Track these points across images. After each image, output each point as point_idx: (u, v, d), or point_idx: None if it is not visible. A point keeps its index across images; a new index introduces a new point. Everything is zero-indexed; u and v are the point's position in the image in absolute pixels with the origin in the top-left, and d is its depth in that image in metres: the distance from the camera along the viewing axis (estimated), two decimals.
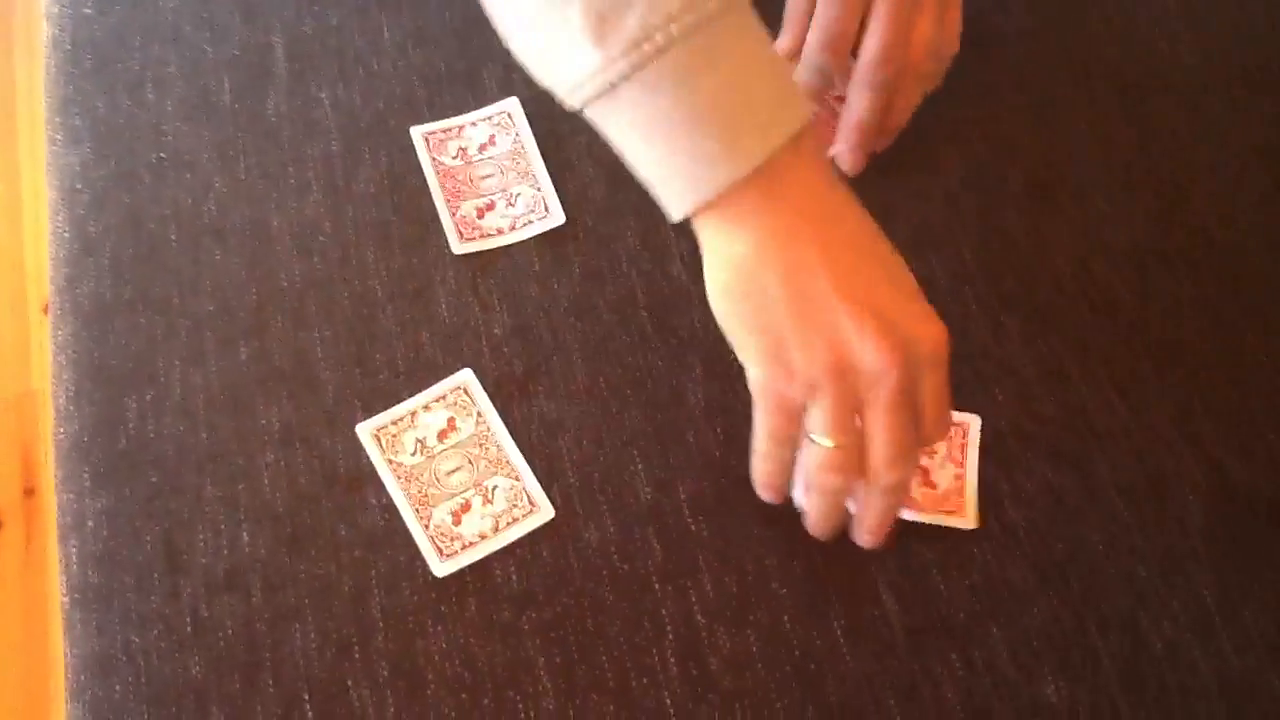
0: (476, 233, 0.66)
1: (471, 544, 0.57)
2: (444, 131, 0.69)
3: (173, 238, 0.66)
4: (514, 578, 0.57)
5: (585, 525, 0.58)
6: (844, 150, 0.67)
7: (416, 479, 0.59)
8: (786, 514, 0.58)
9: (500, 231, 0.66)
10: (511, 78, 0.70)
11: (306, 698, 0.54)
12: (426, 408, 0.61)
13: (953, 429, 0.60)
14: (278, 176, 0.68)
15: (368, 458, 0.59)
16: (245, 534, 0.58)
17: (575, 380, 0.62)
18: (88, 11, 0.74)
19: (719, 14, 0.48)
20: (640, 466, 0.59)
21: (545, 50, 0.49)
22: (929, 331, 0.51)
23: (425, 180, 0.67)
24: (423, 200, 0.67)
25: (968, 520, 0.58)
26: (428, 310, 0.64)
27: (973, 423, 0.60)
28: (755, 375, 0.52)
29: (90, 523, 0.58)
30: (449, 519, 0.58)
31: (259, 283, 0.65)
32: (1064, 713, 0.54)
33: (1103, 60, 0.72)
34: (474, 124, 0.69)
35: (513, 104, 0.70)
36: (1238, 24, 0.74)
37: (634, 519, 0.58)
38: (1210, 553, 0.58)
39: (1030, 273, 0.65)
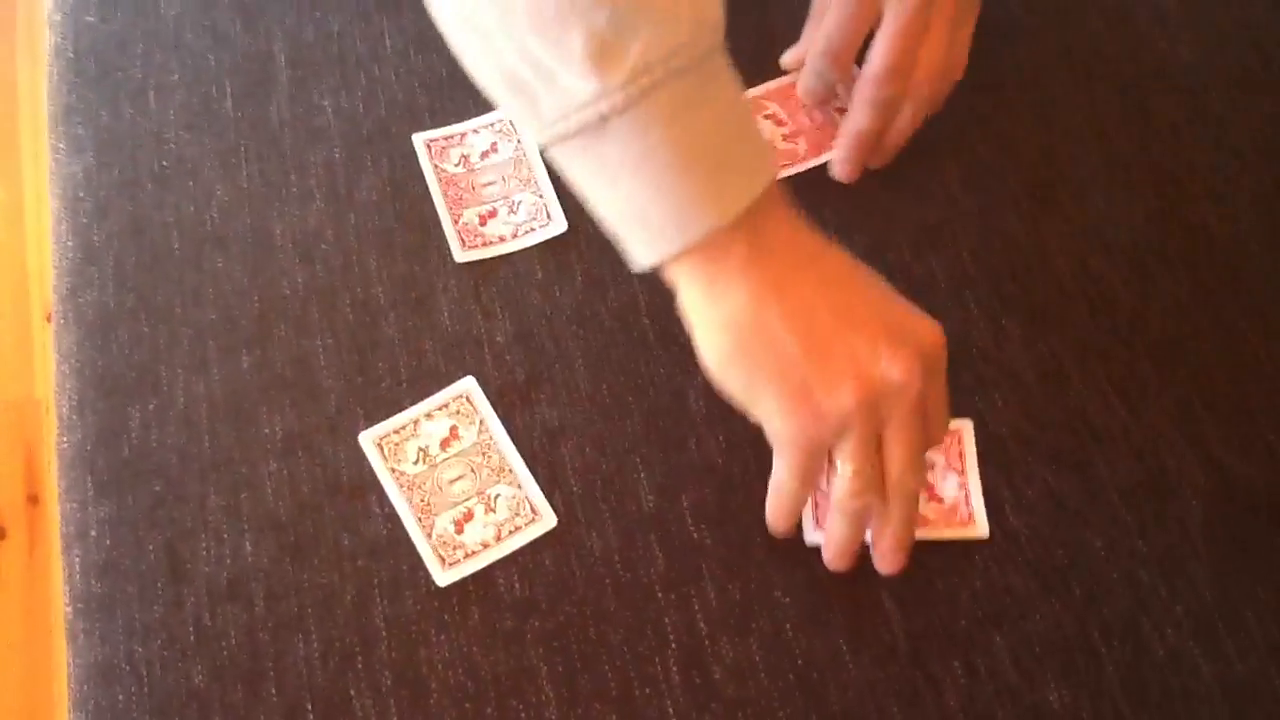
0: (479, 240, 0.66)
1: (474, 553, 0.57)
2: (446, 138, 0.69)
3: (175, 246, 0.66)
4: (517, 586, 0.57)
5: (588, 533, 0.58)
6: (837, 160, 0.67)
7: (419, 487, 0.59)
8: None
9: (502, 239, 0.66)
10: None
11: (309, 707, 0.54)
12: (429, 416, 0.61)
13: (948, 436, 0.60)
14: (280, 184, 0.68)
15: (370, 466, 0.60)
16: (248, 543, 0.58)
17: (577, 388, 0.62)
18: (90, 19, 0.74)
19: (709, 55, 0.48)
20: (643, 474, 0.59)
21: (531, 77, 0.47)
22: (931, 335, 0.52)
23: (427, 187, 0.68)
24: (425, 208, 0.67)
25: (979, 530, 0.58)
26: (430, 318, 0.64)
27: (965, 428, 0.60)
28: (781, 428, 0.51)
29: (93, 532, 0.59)
30: (451, 528, 0.58)
31: (261, 291, 0.65)
32: (1067, 719, 0.54)
33: (1103, 59, 0.72)
34: (476, 131, 0.69)
35: None
36: (1238, 23, 0.74)
37: (636, 527, 0.58)
38: (1212, 554, 0.58)
39: (1030, 274, 0.65)
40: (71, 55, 0.73)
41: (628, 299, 0.64)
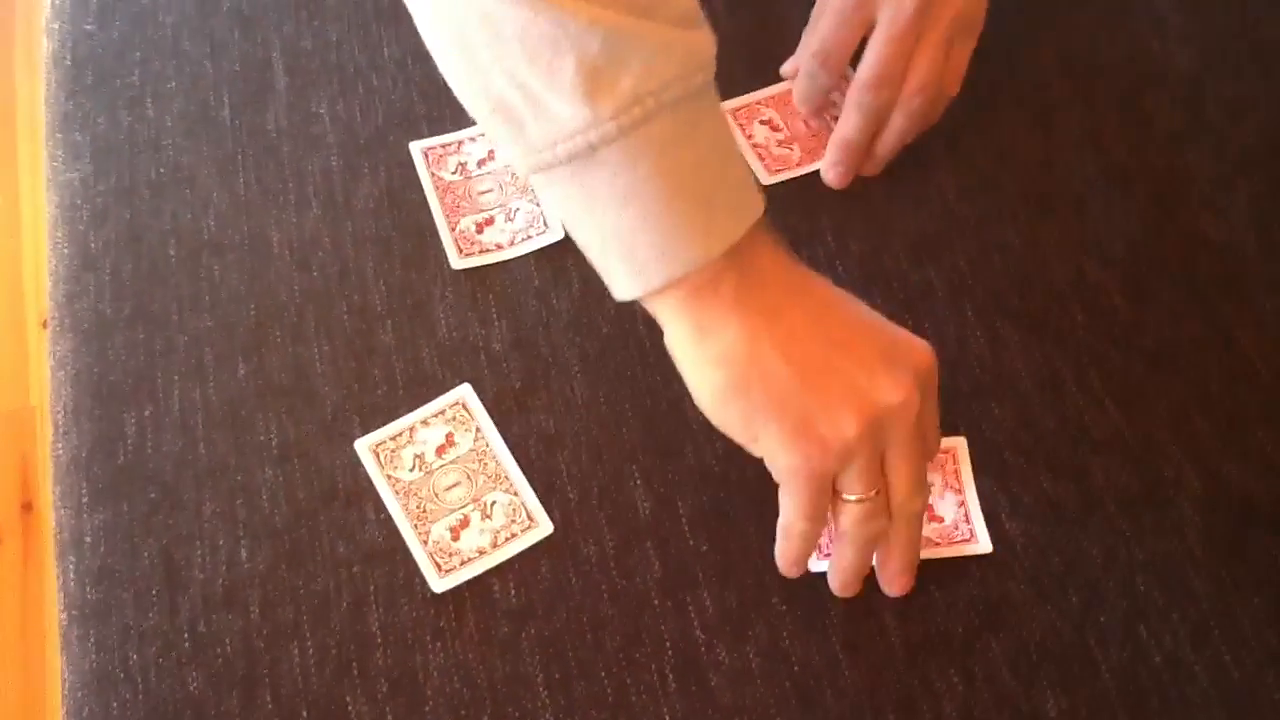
0: (475, 248, 0.66)
1: (470, 559, 0.57)
2: (443, 146, 0.69)
3: (172, 253, 0.66)
4: (513, 593, 0.57)
5: (584, 540, 0.58)
6: (827, 165, 0.67)
7: (415, 494, 0.59)
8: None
9: (499, 246, 0.66)
10: None
11: (305, 714, 0.54)
12: (425, 423, 0.61)
13: (943, 455, 0.60)
14: (277, 192, 0.68)
15: (366, 473, 0.59)
16: (244, 550, 0.58)
17: (574, 395, 0.62)
18: (88, 27, 0.74)
19: (701, 88, 0.48)
20: (639, 482, 0.59)
21: (520, 103, 0.46)
22: (923, 355, 0.52)
23: (424, 195, 0.68)
24: (422, 215, 0.67)
25: (981, 545, 0.58)
26: (427, 325, 0.64)
27: (960, 446, 0.60)
28: (786, 462, 0.51)
29: (88, 539, 0.58)
30: (448, 534, 0.58)
31: (258, 298, 0.65)
32: None
33: (1101, 68, 0.73)
34: (473, 139, 0.69)
35: None
36: (1236, 32, 0.74)
37: (633, 534, 0.58)
38: (1209, 562, 0.58)
39: (1028, 282, 0.65)
40: (69, 63, 0.73)
41: (625, 306, 0.64)
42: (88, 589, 0.57)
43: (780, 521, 0.54)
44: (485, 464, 0.60)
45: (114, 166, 0.69)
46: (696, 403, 0.51)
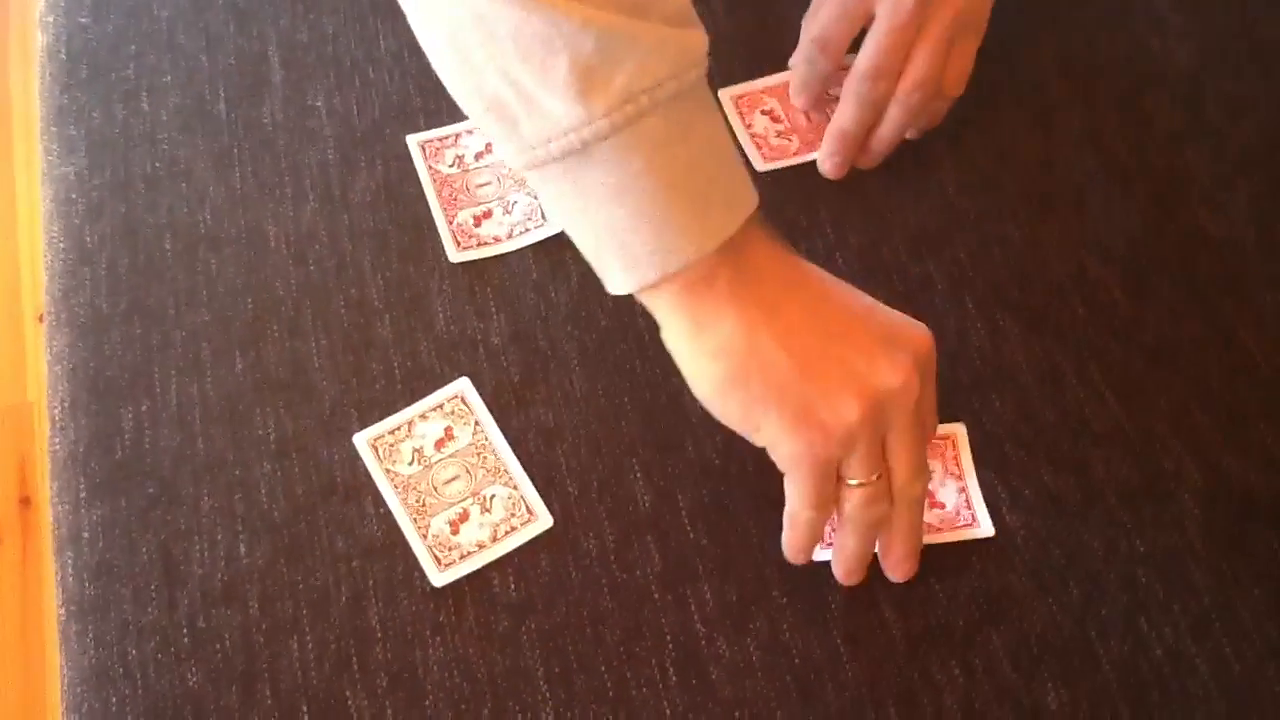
0: (473, 241, 0.66)
1: (470, 553, 0.57)
2: (440, 139, 0.69)
3: (168, 247, 0.66)
4: (513, 587, 0.57)
5: (584, 534, 0.58)
6: (822, 155, 0.67)
7: (414, 488, 0.59)
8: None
9: (497, 239, 0.66)
10: None
11: (304, 709, 0.54)
12: (424, 417, 0.61)
13: (942, 442, 0.60)
14: (274, 185, 0.68)
15: (365, 467, 0.59)
16: (242, 545, 0.58)
17: (573, 388, 0.62)
18: (83, 20, 0.74)
19: (695, 86, 0.48)
20: (639, 475, 0.59)
21: (513, 100, 0.47)
22: (921, 338, 0.52)
23: (422, 188, 0.67)
24: (419, 208, 0.67)
25: (983, 529, 0.58)
26: (425, 319, 0.64)
27: (959, 432, 0.60)
28: (789, 450, 0.51)
29: (86, 534, 0.58)
30: (447, 529, 0.58)
31: (255, 292, 0.65)
32: (1064, 719, 0.54)
33: (1100, 66, 0.73)
34: (470, 132, 0.69)
35: None
36: (1235, 30, 0.74)
37: (633, 527, 0.58)
38: (1209, 555, 0.58)
39: (1028, 277, 0.65)
40: (64, 57, 0.73)
41: (623, 300, 0.64)
42: (86, 584, 0.57)
43: (786, 510, 0.54)
44: (484, 458, 0.59)
45: (109, 161, 0.69)
46: (696, 396, 0.51)
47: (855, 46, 0.66)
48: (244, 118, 0.70)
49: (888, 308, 0.53)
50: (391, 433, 0.60)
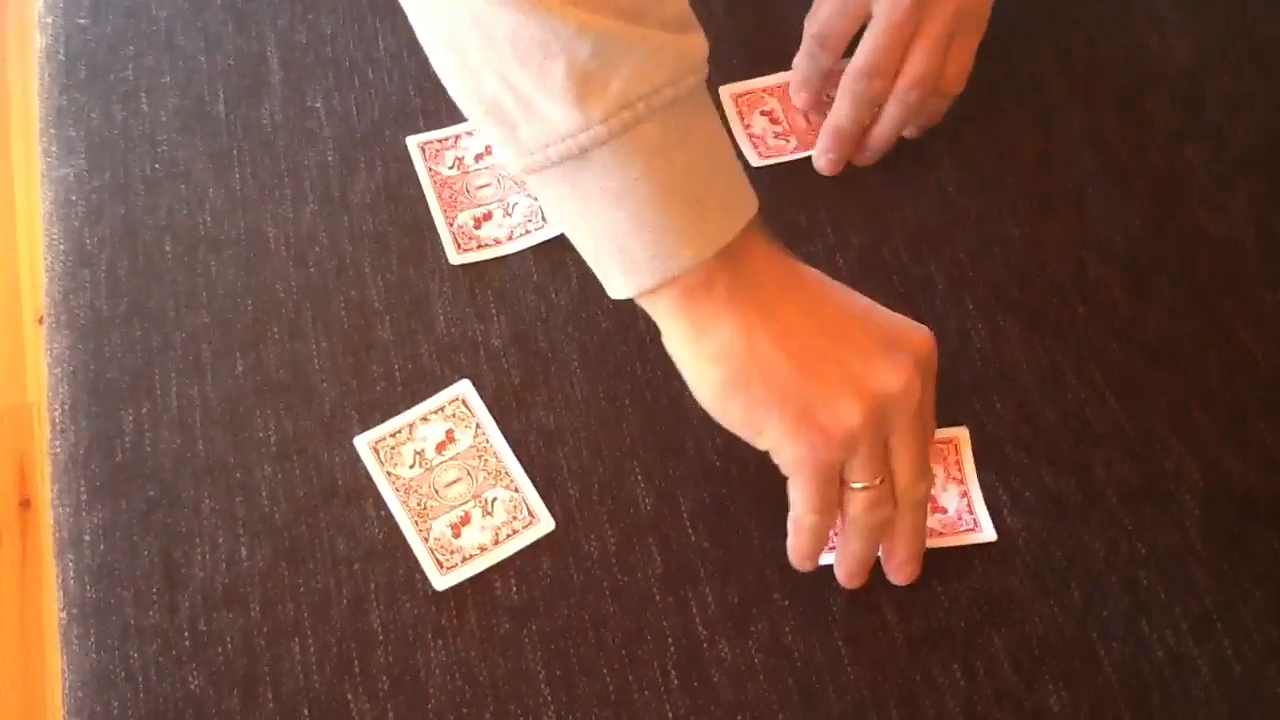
0: (474, 243, 0.66)
1: (471, 556, 0.57)
2: (440, 141, 0.69)
3: (168, 249, 0.66)
4: (514, 590, 0.57)
5: (585, 537, 0.58)
6: (818, 151, 0.67)
7: (415, 491, 0.59)
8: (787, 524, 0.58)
9: (497, 241, 0.66)
10: None
11: (306, 712, 0.54)
12: (424, 419, 0.61)
13: (945, 446, 0.60)
14: (273, 187, 0.68)
15: (366, 470, 0.59)
16: (243, 548, 0.58)
17: (574, 391, 0.62)
18: (81, 21, 0.74)
19: (693, 91, 0.48)
20: (640, 477, 0.59)
21: (511, 105, 0.47)
22: (922, 339, 0.52)
23: (421, 190, 0.67)
24: (419, 210, 0.67)
25: (985, 534, 0.58)
26: (425, 321, 0.64)
27: (962, 436, 0.60)
28: (791, 454, 0.51)
29: (87, 537, 0.58)
30: (448, 531, 0.58)
31: (255, 294, 0.64)
32: None
33: (1100, 65, 0.72)
34: (470, 133, 0.69)
35: None
36: (1235, 28, 0.74)
37: (634, 530, 0.58)
38: (1210, 556, 0.58)
39: (1028, 277, 0.65)
40: (62, 58, 0.73)
41: (623, 302, 0.64)
42: (87, 587, 0.57)
43: (791, 516, 0.54)
44: (485, 460, 0.59)
45: (108, 162, 0.69)
46: (697, 399, 0.51)
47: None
48: (243, 119, 0.70)
49: (886, 309, 0.53)
50: (393, 435, 0.60)
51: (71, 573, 0.58)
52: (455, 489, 0.59)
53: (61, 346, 0.64)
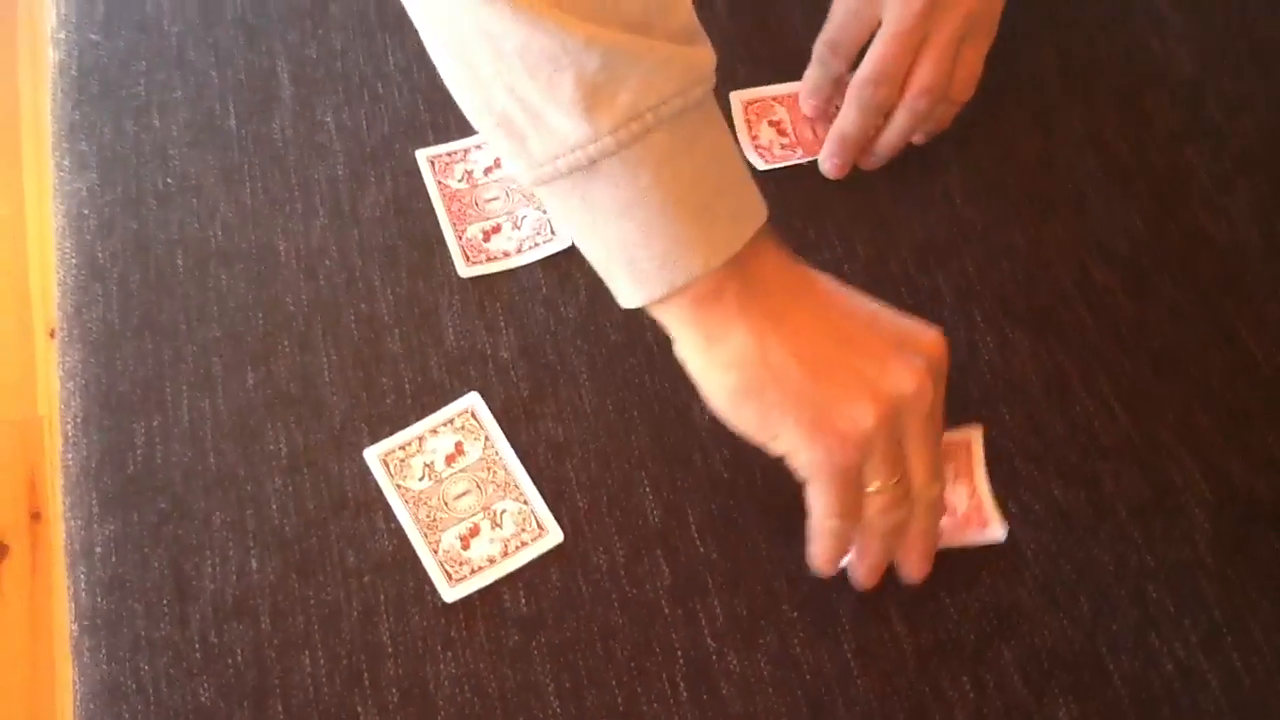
0: (483, 255, 0.66)
1: (480, 568, 0.57)
2: (449, 154, 0.69)
3: (179, 263, 0.66)
4: (523, 602, 0.57)
5: (594, 549, 0.58)
6: (824, 155, 0.68)
7: (425, 503, 0.59)
8: (796, 535, 0.58)
9: (506, 254, 0.66)
10: None
11: None
12: (434, 432, 0.61)
13: (958, 446, 0.60)
14: (284, 200, 0.68)
15: (375, 482, 0.59)
16: (254, 560, 0.58)
17: (582, 403, 0.62)
18: (93, 37, 0.75)
19: (701, 102, 0.48)
20: (648, 489, 0.59)
21: (520, 117, 0.47)
22: (933, 341, 0.52)
23: (431, 203, 0.68)
24: (428, 223, 0.67)
25: (996, 530, 0.58)
26: (434, 334, 0.64)
27: (975, 436, 0.60)
28: (808, 458, 0.51)
29: (98, 549, 0.58)
30: (458, 544, 0.58)
31: (265, 307, 0.65)
32: None
33: (1101, 68, 0.73)
34: (479, 147, 0.69)
35: None
36: (1235, 30, 0.74)
37: (643, 542, 0.58)
38: (1219, 568, 0.57)
39: (1033, 284, 0.65)
40: (75, 73, 0.73)
41: (632, 313, 0.64)
42: (98, 599, 0.57)
43: (811, 521, 0.54)
44: (494, 472, 0.60)
45: (120, 176, 0.69)
46: (711, 407, 0.52)
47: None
48: (254, 133, 0.70)
49: (898, 313, 0.53)
50: (402, 448, 0.60)
51: (83, 585, 0.58)
52: (464, 501, 0.59)
53: (73, 360, 0.64)
